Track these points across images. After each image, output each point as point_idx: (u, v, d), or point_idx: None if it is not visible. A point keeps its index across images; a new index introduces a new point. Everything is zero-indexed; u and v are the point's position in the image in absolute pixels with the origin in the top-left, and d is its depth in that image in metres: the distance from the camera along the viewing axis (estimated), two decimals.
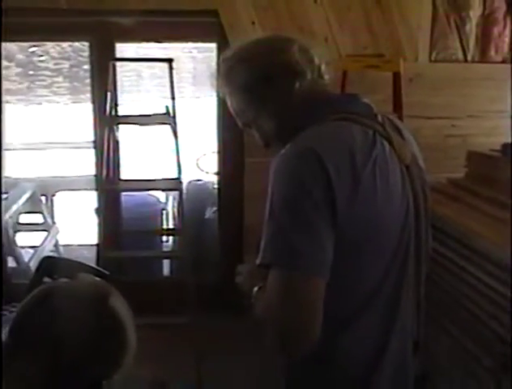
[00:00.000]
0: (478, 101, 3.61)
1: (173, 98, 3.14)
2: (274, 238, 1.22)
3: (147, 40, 3.89)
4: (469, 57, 3.60)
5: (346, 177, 1.21)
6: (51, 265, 1.47)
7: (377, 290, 1.31)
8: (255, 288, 1.32)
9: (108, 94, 3.15)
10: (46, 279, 1.45)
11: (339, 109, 1.35)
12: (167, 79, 3.16)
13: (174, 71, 3.19)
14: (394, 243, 1.31)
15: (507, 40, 3.60)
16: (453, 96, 3.57)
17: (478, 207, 2.42)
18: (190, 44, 6.13)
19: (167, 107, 3.13)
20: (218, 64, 1.47)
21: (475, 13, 3.55)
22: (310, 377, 1.36)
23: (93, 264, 3.02)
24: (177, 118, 3.15)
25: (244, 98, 1.43)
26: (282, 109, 1.40)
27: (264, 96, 1.40)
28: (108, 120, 3.22)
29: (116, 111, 3.41)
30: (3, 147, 3.88)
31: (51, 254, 4.56)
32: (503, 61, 3.62)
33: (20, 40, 4.91)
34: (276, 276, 1.20)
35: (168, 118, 3.13)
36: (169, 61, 3.15)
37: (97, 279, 1.47)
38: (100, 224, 3.21)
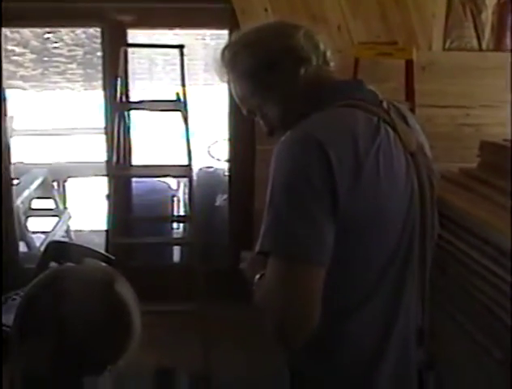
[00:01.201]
0: (492, 90, 3.55)
1: (184, 85, 3.13)
2: (273, 226, 1.21)
3: (159, 27, 3.88)
4: (484, 46, 3.55)
5: (348, 164, 1.20)
6: (57, 250, 1.47)
7: (381, 276, 1.30)
8: (257, 276, 1.31)
9: (119, 80, 3.15)
10: (53, 264, 1.46)
11: (343, 96, 1.33)
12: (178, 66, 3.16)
13: (186, 58, 3.18)
14: (398, 229, 1.30)
15: None
16: (467, 85, 3.53)
17: (489, 197, 2.39)
18: (203, 31, 6.11)
19: (177, 93, 3.12)
20: (222, 50, 1.44)
21: (491, 1, 3.49)
22: (315, 364, 1.36)
23: (102, 250, 3.05)
24: (188, 105, 3.14)
25: (248, 84, 1.41)
26: (287, 95, 1.38)
27: (269, 82, 1.38)
28: (118, 105, 3.22)
29: (127, 97, 3.41)
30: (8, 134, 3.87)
31: (62, 239, 4.59)
32: None
33: (33, 26, 4.96)
34: (275, 264, 1.20)
35: (178, 105, 3.12)
36: (180, 47, 3.13)
37: (103, 264, 1.48)
38: (109, 210, 3.21)
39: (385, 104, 1.35)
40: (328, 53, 1.40)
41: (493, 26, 3.52)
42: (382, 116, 1.31)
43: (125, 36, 3.57)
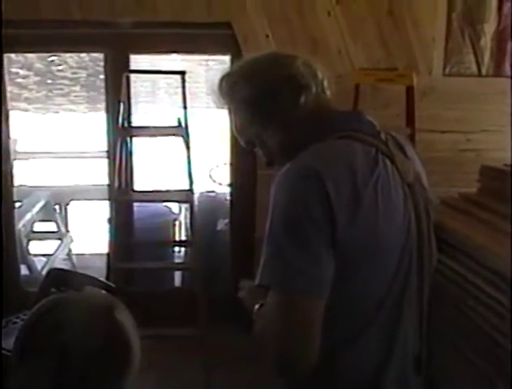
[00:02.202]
0: (493, 115, 3.58)
1: (186, 109, 3.16)
2: (272, 258, 1.21)
3: (161, 52, 3.92)
4: (483, 71, 3.59)
5: (346, 197, 1.20)
6: (58, 277, 1.48)
7: (379, 307, 1.30)
8: (256, 306, 1.31)
9: (121, 105, 3.17)
10: (53, 291, 1.46)
11: (341, 127, 1.34)
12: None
13: (189, 82, 3.22)
14: (395, 261, 1.30)
15: None
16: (467, 110, 3.56)
17: (490, 223, 2.38)
18: (206, 56, 6.17)
19: (179, 119, 3.14)
20: (220, 81, 1.45)
21: (489, 27, 3.53)
22: None
23: (103, 275, 3.05)
24: (189, 130, 3.16)
25: (248, 113, 1.41)
26: (287, 124, 1.38)
27: (269, 111, 1.38)
28: (120, 131, 3.24)
29: (129, 122, 3.43)
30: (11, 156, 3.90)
31: (63, 263, 4.59)
32: None
33: (37, 52, 4.99)
34: (275, 297, 1.20)
35: (180, 130, 3.14)
36: (182, 73, 3.17)
37: (103, 291, 1.48)
38: (111, 235, 3.22)
39: (383, 135, 1.36)
40: (325, 82, 1.40)
41: (492, 52, 3.57)
42: (380, 147, 1.31)
43: (127, 61, 3.61)
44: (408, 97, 3.23)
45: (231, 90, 1.42)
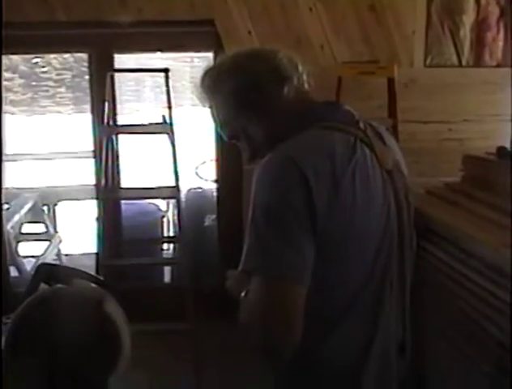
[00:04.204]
0: (473, 105, 3.63)
1: (170, 107, 3.17)
2: (254, 245, 1.25)
3: (146, 51, 3.93)
4: (464, 62, 3.63)
5: (325, 184, 1.24)
6: (47, 271, 1.49)
7: (360, 292, 1.34)
8: (242, 293, 1.33)
9: (106, 104, 3.19)
10: (43, 285, 1.48)
11: (321, 117, 1.37)
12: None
13: (174, 79, 3.23)
14: (375, 246, 1.33)
15: (501, 44, 3.63)
16: (448, 100, 3.60)
17: (474, 211, 2.42)
18: (190, 53, 6.16)
19: (164, 116, 3.16)
20: (202, 76, 1.47)
21: (468, 18, 3.58)
22: (299, 377, 1.40)
23: (92, 272, 3.05)
24: (174, 127, 3.18)
25: (232, 106, 1.43)
26: (270, 115, 1.41)
27: (253, 103, 1.40)
28: (106, 130, 3.25)
29: (114, 121, 3.44)
30: (3, 157, 3.90)
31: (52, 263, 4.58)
32: (497, 66, 3.65)
33: (21, 53, 4.98)
34: (257, 283, 1.23)
35: (165, 127, 3.16)
36: (165, 71, 3.18)
37: (92, 285, 1.50)
38: (99, 233, 3.23)
39: (361, 124, 1.39)
40: (305, 75, 1.44)
41: (472, 43, 3.61)
42: (359, 135, 1.35)
43: (112, 60, 3.62)
44: (390, 89, 3.26)
45: (214, 84, 1.44)
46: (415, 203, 1.51)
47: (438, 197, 2.71)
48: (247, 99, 1.40)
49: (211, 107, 1.49)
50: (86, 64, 3.88)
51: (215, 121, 1.51)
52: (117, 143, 3.56)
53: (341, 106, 1.44)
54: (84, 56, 3.94)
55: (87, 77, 3.91)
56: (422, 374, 2.31)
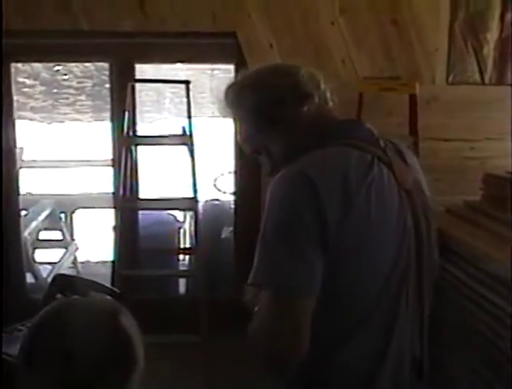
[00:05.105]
0: (496, 123, 3.59)
1: (190, 118, 3.18)
2: (263, 260, 1.27)
3: (167, 62, 3.95)
4: (486, 80, 3.60)
5: (337, 202, 1.25)
6: (63, 282, 1.49)
7: (374, 306, 1.34)
8: (256, 308, 1.34)
9: (126, 114, 3.20)
10: (59, 296, 1.48)
11: (340, 135, 1.39)
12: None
13: (194, 91, 3.24)
14: (389, 264, 1.34)
15: None
16: (471, 118, 3.56)
17: (493, 230, 2.39)
18: (211, 65, 6.19)
19: (183, 128, 3.17)
20: (226, 90, 1.49)
21: (492, 36, 3.55)
22: None
23: (108, 282, 3.06)
24: (193, 138, 3.18)
25: (254, 121, 1.45)
26: (290, 132, 1.43)
27: (274, 119, 1.42)
28: (125, 140, 3.26)
29: (134, 131, 3.46)
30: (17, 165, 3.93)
31: (69, 270, 4.61)
32: None
33: (43, 61, 5.03)
34: (266, 296, 1.26)
35: (184, 139, 3.17)
36: (186, 83, 3.20)
37: (108, 297, 1.50)
38: (116, 242, 3.24)
39: (382, 143, 1.40)
40: (328, 93, 1.46)
41: (495, 60, 3.58)
42: (377, 154, 1.36)
43: (133, 70, 3.64)
44: (411, 106, 3.24)
45: (237, 99, 1.47)
46: (436, 223, 1.50)
47: (458, 216, 2.69)
48: (267, 115, 1.42)
49: (234, 120, 1.51)
50: (107, 72, 3.91)
51: (237, 134, 1.53)
52: (136, 153, 3.57)
53: (362, 124, 1.46)
54: (105, 65, 3.97)
55: (107, 85, 3.94)
56: None
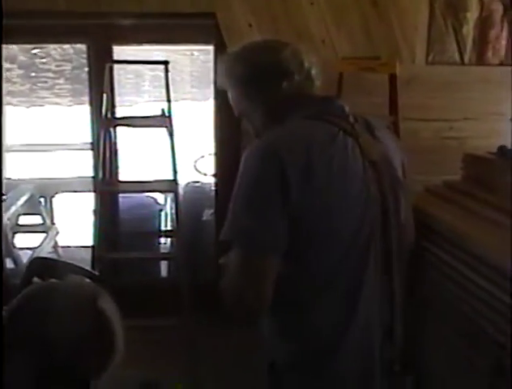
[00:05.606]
0: (475, 104, 3.61)
1: (169, 100, 3.15)
2: (233, 218, 1.42)
3: (145, 43, 3.90)
4: (466, 60, 3.61)
5: (300, 169, 1.39)
6: (41, 266, 1.48)
7: (336, 273, 1.48)
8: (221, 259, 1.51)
9: (105, 96, 3.16)
10: (36, 280, 1.46)
11: (313, 109, 1.54)
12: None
13: (174, 73, 3.20)
14: (352, 230, 1.47)
15: (504, 42, 3.61)
16: (450, 98, 3.58)
17: (473, 210, 2.41)
18: (192, 47, 6.14)
19: (163, 109, 3.14)
20: (222, 58, 1.67)
21: (472, 15, 3.55)
22: (283, 352, 1.57)
23: (88, 265, 3.04)
24: (173, 120, 3.15)
25: (240, 90, 1.62)
26: (269, 104, 1.58)
27: (255, 91, 1.58)
28: (104, 122, 3.23)
29: (113, 113, 3.42)
30: (3, 148, 3.88)
31: (49, 255, 4.57)
32: (500, 64, 3.62)
33: (20, 43, 4.94)
34: (234, 252, 1.42)
35: (164, 120, 3.14)
36: (165, 63, 3.16)
37: (87, 280, 1.48)
38: (96, 226, 3.21)
39: (351, 118, 1.54)
40: (313, 71, 1.59)
41: (475, 40, 3.59)
42: (344, 127, 1.50)
43: (111, 52, 3.59)
44: (391, 86, 3.23)
45: (229, 69, 1.63)
46: (408, 198, 1.63)
47: (437, 195, 2.70)
48: (250, 87, 1.59)
49: (226, 88, 1.67)
50: (85, 55, 3.85)
51: (230, 99, 1.69)
52: (115, 136, 3.53)
53: (334, 101, 1.61)
54: (84, 47, 3.91)
55: (86, 69, 3.88)
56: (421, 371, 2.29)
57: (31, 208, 4.88)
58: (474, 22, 3.56)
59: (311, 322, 1.50)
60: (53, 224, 5.16)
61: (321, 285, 1.48)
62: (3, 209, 4.21)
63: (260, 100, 1.59)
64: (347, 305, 1.49)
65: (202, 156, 4.88)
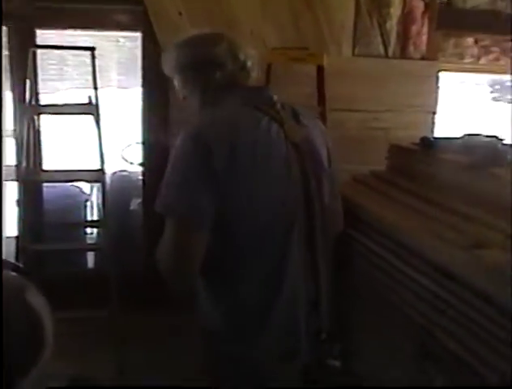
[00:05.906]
0: (397, 96, 3.72)
1: (96, 87, 3.08)
2: (164, 193, 1.58)
3: (70, 28, 3.79)
4: (390, 53, 3.72)
5: (225, 151, 1.55)
6: None
7: (261, 247, 1.63)
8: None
9: (28, 82, 3.06)
10: None
11: (243, 97, 1.71)
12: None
13: (100, 60, 3.14)
14: (275, 207, 1.62)
15: (425, 38, 3.74)
16: (374, 90, 3.67)
17: (397, 199, 2.47)
18: (118, 33, 5.99)
19: (89, 97, 3.07)
20: (172, 45, 1.82)
21: (395, 11, 3.67)
22: (214, 320, 1.71)
23: (12, 257, 2.95)
24: (100, 108, 3.09)
25: (182, 77, 1.80)
26: (204, 92, 1.76)
27: (193, 78, 1.77)
28: (27, 109, 3.13)
29: (37, 100, 3.32)
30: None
31: None
32: (422, 58, 3.76)
33: None
34: (166, 223, 1.58)
35: (90, 108, 3.07)
36: (91, 49, 3.08)
37: (12, 273, 1.44)
38: (20, 216, 3.12)
39: (278, 106, 1.70)
40: (249, 63, 1.76)
41: (399, 35, 3.70)
42: (270, 113, 1.66)
43: (33, 36, 3.47)
44: (319, 76, 3.28)
45: (176, 55, 1.79)
46: (333, 183, 1.82)
47: (364, 184, 2.76)
48: (190, 74, 1.77)
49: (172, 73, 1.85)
50: (5, 39, 3.70)
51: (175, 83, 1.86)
52: (38, 124, 3.43)
53: (263, 90, 1.79)
54: (4, 29, 3.75)
55: (6, 53, 3.74)
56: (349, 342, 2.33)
57: None
58: (397, 17, 3.68)
59: (240, 293, 1.66)
60: None
61: (248, 259, 1.63)
62: None
63: (197, 87, 1.77)
64: (274, 278, 1.65)
65: (130, 145, 4.80)
